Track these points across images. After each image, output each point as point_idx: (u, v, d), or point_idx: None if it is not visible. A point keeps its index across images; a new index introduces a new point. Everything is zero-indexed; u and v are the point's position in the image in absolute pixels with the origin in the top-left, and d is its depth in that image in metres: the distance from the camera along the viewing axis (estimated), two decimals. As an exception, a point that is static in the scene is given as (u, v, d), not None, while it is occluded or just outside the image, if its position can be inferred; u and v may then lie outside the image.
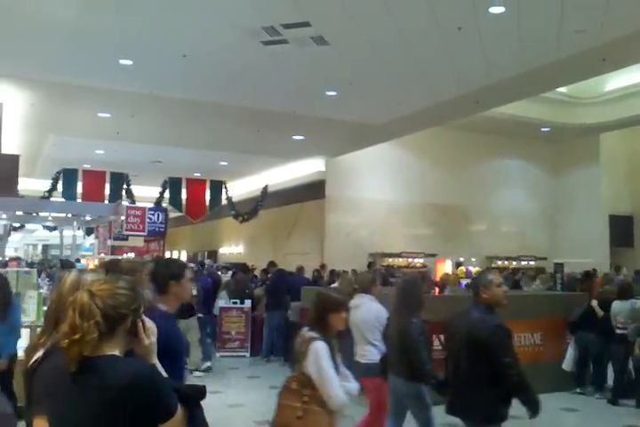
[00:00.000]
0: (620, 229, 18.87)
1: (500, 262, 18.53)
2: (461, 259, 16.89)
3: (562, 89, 16.06)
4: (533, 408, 3.67)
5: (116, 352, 1.88)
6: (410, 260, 16.91)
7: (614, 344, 7.26)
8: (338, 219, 16.81)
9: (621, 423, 6.34)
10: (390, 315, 4.88)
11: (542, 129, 17.50)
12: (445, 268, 16.50)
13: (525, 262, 18.82)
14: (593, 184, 18.92)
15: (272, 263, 11.69)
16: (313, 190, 17.32)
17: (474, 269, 16.50)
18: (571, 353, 7.67)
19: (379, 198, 17.21)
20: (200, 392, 2.08)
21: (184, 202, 17.51)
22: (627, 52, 9.47)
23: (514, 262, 18.75)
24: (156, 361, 2.05)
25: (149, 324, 2.06)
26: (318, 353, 3.33)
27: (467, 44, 8.72)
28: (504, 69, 9.83)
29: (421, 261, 16.86)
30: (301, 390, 3.32)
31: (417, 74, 10.05)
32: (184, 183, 17.28)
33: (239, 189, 20.21)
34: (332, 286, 9.50)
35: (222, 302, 10.58)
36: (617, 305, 7.43)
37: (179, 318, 8.45)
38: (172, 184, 17.08)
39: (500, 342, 3.73)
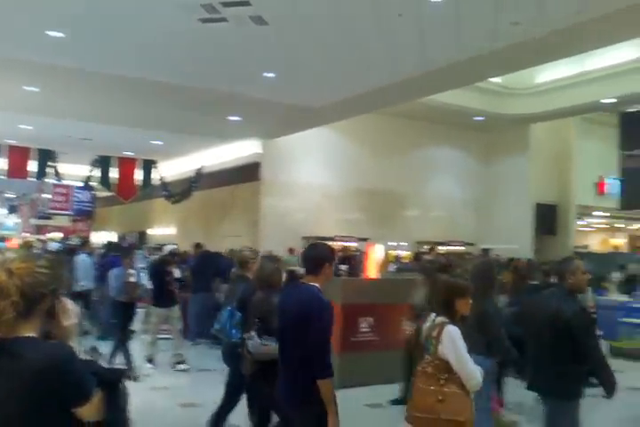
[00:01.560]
0: (545, 217, 19.62)
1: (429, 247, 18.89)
2: (392, 243, 17.12)
3: (496, 79, 16.45)
4: (610, 388, 3.85)
5: (33, 334, 1.78)
6: (342, 244, 17.05)
7: None
8: (273, 202, 16.74)
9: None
10: None
11: (475, 118, 17.89)
12: (376, 252, 16.69)
13: (454, 247, 19.29)
14: (521, 173, 19.54)
15: (197, 245, 11.47)
16: (248, 172, 17.16)
17: (403, 254, 16.80)
18: None
19: (314, 182, 17.23)
20: (119, 376, 2.00)
21: (114, 181, 17.02)
22: (558, 46, 9.75)
23: (443, 247, 19.16)
24: (74, 343, 1.96)
25: (70, 305, 1.96)
26: (453, 336, 3.41)
27: (406, 30, 8.76)
28: (441, 58, 9.94)
29: (354, 244, 17.01)
30: (438, 374, 3.40)
31: (355, 59, 10.05)
32: (115, 162, 16.77)
33: (173, 169, 19.79)
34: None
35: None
36: None
37: (158, 306, 8.18)
38: (102, 163, 16.55)
39: (584, 325, 3.92)
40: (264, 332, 4.13)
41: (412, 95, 13.25)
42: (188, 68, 10.62)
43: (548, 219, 19.78)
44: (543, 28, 8.58)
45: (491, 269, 5.21)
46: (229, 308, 4.79)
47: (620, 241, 25.99)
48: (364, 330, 7.28)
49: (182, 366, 7.96)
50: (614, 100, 15.52)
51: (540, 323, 4.08)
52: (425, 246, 18.72)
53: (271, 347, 3.94)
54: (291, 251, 14.76)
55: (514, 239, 18.46)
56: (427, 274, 6.25)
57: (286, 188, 16.86)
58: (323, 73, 10.85)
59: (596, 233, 26.06)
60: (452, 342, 3.40)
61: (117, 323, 7.67)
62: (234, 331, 4.69)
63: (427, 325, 3.57)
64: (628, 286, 11.24)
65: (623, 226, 24.74)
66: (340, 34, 8.91)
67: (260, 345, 4.13)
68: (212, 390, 7.22)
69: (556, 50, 10.20)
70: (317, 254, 3.48)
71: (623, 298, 10.39)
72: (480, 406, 4.34)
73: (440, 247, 18.97)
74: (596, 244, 25.38)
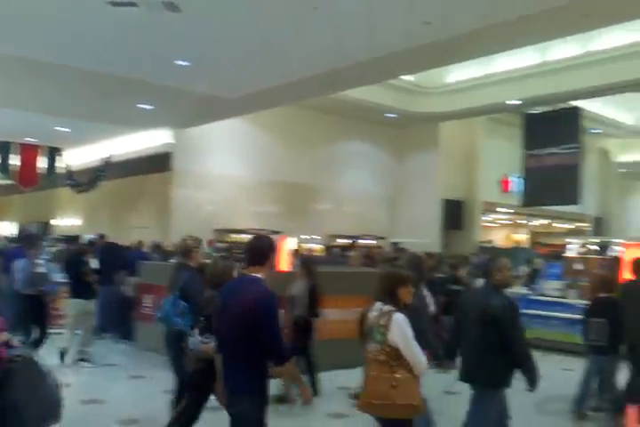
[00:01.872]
0: (452, 212, 20.32)
1: (341, 241, 19.15)
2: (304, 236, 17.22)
3: (408, 78, 16.84)
4: (533, 378, 4.19)
5: None
6: (255, 237, 16.96)
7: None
8: (184, 193, 16.41)
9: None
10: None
11: (388, 115, 18.23)
12: (288, 245, 16.72)
13: (366, 241, 19.63)
14: (431, 170, 20.13)
15: (101, 236, 11.08)
16: (159, 162, 16.73)
17: (316, 247, 16.95)
18: None
19: (227, 174, 17.04)
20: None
21: (15, 168, 16.17)
22: (466, 47, 10.11)
23: (355, 241, 19.46)
24: None
25: None
26: (401, 324, 3.58)
27: (320, 25, 8.79)
28: (354, 54, 10.05)
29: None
30: (390, 362, 3.56)
31: (270, 51, 10.00)
32: (16, 148, 15.92)
33: (80, 157, 19.03)
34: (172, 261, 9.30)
35: (58, 276, 9.93)
36: None
37: (77, 297, 7.77)
38: (2, 149, 15.67)
39: (510, 318, 4.22)
40: (207, 330, 4.20)
41: (326, 90, 13.35)
42: (98, 53, 10.21)
43: (455, 214, 20.49)
44: (452, 30, 8.85)
45: (421, 263, 5.51)
46: (172, 296, 4.90)
47: (522, 237, 27.29)
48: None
49: (86, 364, 7.65)
50: (519, 102, 16.24)
51: (471, 316, 4.35)
52: (338, 240, 19.01)
53: (210, 345, 4.04)
54: (210, 243, 14.55)
55: (423, 234, 19.03)
56: (306, 266, 6.54)
57: (198, 179, 16.57)
58: (237, 64, 10.73)
59: (500, 229, 27.24)
60: (401, 330, 3.57)
61: (26, 318, 7.22)
62: (177, 319, 4.80)
63: (373, 314, 3.70)
64: (533, 279, 11.85)
65: (525, 222, 25.96)
66: (254, 25, 8.83)
67: (200, 343, 4.25)
68: (116, 386, 7.04)
69: (465, 51, 10.56)
70: (262, 246, 3.57)
71: (523, 291, 10.93)
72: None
73: (352, 241, 19.32)
74: (499, 239, 26.53)
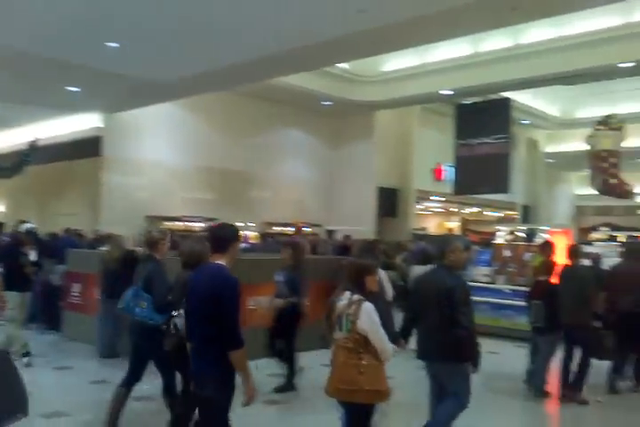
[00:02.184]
0: (386, 200, 20.58)
1: (277, 228, 19.12)
2: (239, 224, 17.10)
3: (344, 66, 16.87)
4: (476, 359, 4.42)
5: None
6: (188, 224, 16.74)
7: None
8: (115, 179, 15.94)
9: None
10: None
11: (324, 103, 18.23)
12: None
13: (302, 229, 19.66)
14: (367, 158, 20.29)
15: (22, 222, 10.58)
16: (89, 147, 16.17)
17: (251, 235, 16.86)
18: None
19: (160, 160, 16.67)
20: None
21: None
22: (400, 36, 10.19)
23: (290, 229, 19.48)
24: None
25: None
26: (370, 312, 3.77)
27: (255, 10, 8.67)
28: (290, 40, 9.99)
29: (202, 225, 16.76)
30: (357, 348, 3.73)
31: (204, 34, 9.79)
32: None
33: (3, 141, 18.21)
34: (102, 249, 9.07)
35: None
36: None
37: (11, 289, 7.30)
38: None
39: (463, 296, 4.43)
40: None
41: (261, 76, 13.24)
42: (18, 31, 9.73)
43: (389, 202, 20.77)
44: (387, 19, 8.91)
45: (374, 249, 5.81)
46: (134, 287, 4.97)
47: (454, 224, 27.97)
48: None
49: (25, 360, 7.15)
50: (451, 92, 16.54)
51: (427, 297, 4.53)
52: (274, 227, 18.97)
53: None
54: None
55: (358, 221, 19.20)
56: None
57: (130, 165, 16.14)
58: (170, 46, 10.45)
59: (433, 216, 27.82)
60: (369, 318, 3.76)
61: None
62: (137, 310, 4.89)
63: (342, 302, 3.86)
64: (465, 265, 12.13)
65: (457, 210, 26.60)
66: (188, 7, 8.62)
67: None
68: (41, 378, 6.81)
69: (399, 40, 10.67)
70: (225, 234, 3.69)
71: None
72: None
73: (287, 229, 19.32)
74: (432, 226, 27.11)
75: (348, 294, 3.89)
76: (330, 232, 18.14)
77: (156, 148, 16.62)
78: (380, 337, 3.77)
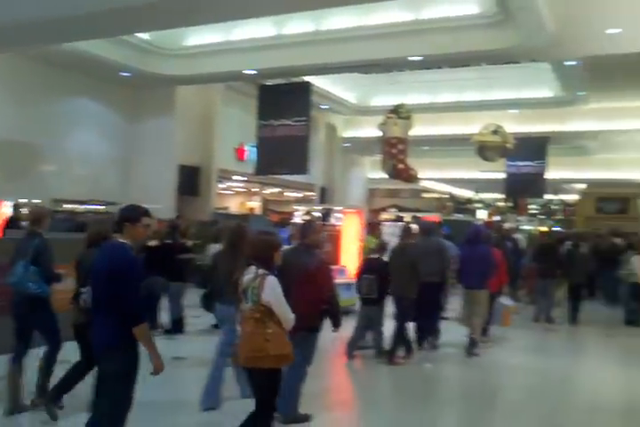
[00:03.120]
0: (187, 178, 20.18)
1: (68, 206, 17.82)
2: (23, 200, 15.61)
3: (145, 36, 16.08)
4: (338, 322, 5.53)
5: None
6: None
7: None
8: None
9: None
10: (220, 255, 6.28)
11: (122, 73, 17.24)
12: (3, 209, 15.07)
13: (95, 207, 18.57)
14: (167, 134, 19.64)
15: None
16: None
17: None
18: None
19: None
20: None
21: None
22: (207, 9, 9.93)
23: (83, 206, 18.30)
24: None
25: None
26: (274, 285, 4.18)
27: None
28: (86, 2, 9.26)
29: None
30: (263, 318, 4.09)
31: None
32: None
33: None
34: None
35: None
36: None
37: None
38: None
39: (323, 272, 5.44)
40: None
41: (52, 39, 12.19)
42: None
43: (190, 181, 20.39)
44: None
45: (244, 231, 6.11)
46: (23, 261, 5.27)
47: (256, 204, 28.36)
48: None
49: None
50: (254, 72, 16.58)
51: (292, 272, 5.04)
52: (65, 205, 17.64)
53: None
54: None
55: (157, 199, 18.54)
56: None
57: None
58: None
59: (235, 196, 27.94)
60: (273, 290, 4.16)
61: None
62: (30, 284, 5.25)
63: (248, 276, 4.25)
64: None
65: (258, 190, 26.97)
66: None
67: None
68: None
69: (202, 14, 10.38)
70: (121, 215, 3.99)
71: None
72: (224, 351, 5.68)
73: (80, 206, 18.11)
74: (234, 206, 27.22)
75: (253, 268, 4.26)
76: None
77: None
78: (282, 308, 4.17)
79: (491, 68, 19.59)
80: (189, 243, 10.62)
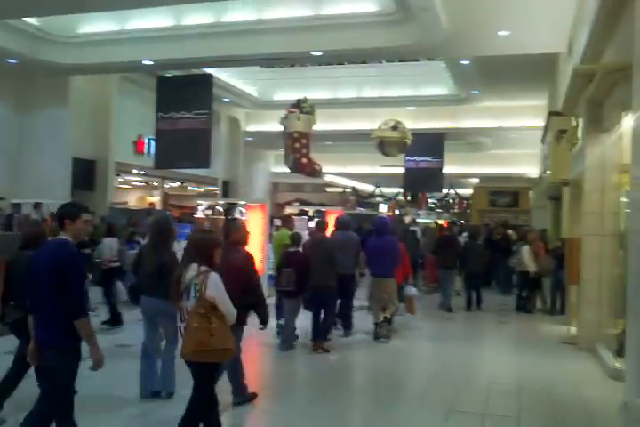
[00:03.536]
0: (83, 172, 19.35)
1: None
2: None
3: (34, 22, 15.22)
4: (265, 319, 5.72)
5: None
6: None
7: None
8: None
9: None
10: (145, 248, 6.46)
11: (8, 60, 16.21)
12: None
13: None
14: (60, 126, 18.68)
15: None
16: None
17: None
18: None
19: None
20: None
21: None
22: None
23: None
24: None
25: None
26: (216, 281, 4.35)
27: None
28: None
29: None
30: (207, 314, 4.23)
31: None
32: None
33: None
34: None
35: None
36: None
37: None
38: None
39: (249, 267, 5.67)
40: None
41: None
42: None
43: (86, 174, 19.57)
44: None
45: (170, 224, 6.31)
46: None
47: (156, 199, 27.61)
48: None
49: None
50: (152, 63, 16.08)
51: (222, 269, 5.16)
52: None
53: None
54: None
55: (51, 194, 17.64)
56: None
57: None
58: None
59: (135, 190, 27.11)
60: (216, 286, 4.34)
61: None
62: None
63: (190, 273, 4.41)
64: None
65: (158, 184, 26.28)
66: None
67: None
68: None
69: (88, 2, 9.94)
70: (60, 212, 4.11)
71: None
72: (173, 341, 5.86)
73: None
74: (134, 201, 26.39)
75: (195, 265, 4.42)
76: (16, 206, 16.44)
77: None
78: (225, 303, 4.34)
79: (390, 65, 20.06)
80: (86, 238, 10.21)
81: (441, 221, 31.89)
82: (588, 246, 9.43)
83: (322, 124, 19.09)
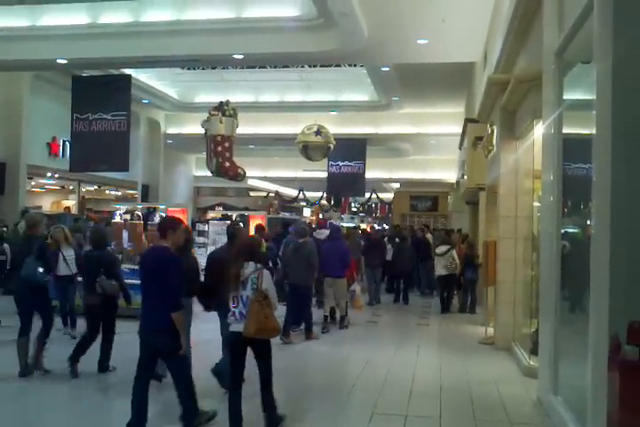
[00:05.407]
0: (-8, 175, 18.39)
1: None
2: None
3: None
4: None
5: None
6: None
7: None
8: None
9: None
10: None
11: None
12: None
13: None
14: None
15: None
16: None
17: None
18: None
19: None
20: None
21: None
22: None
23: None
24: None
25: None
26: (268, 277, 5.52)
27: None
28: None
29: None
30: (262, 302, 5.29)
31: None
32: None
33: None
34: None
35: None
36: None
37: None
38: None
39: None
40: (108, 277, 7.25)
41: None
42: None
43: (-5, 177, 18.60)
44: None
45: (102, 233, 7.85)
46: (31, 258, 7.08)
47: (72, 203, 26.57)
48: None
49: None
50: (66, 62, 15.44)
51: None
52: None
53: (115, 285, 7.27)
54: None
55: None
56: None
57: None
58: None
59: (49, 194, 26.02)
60: (268, 280, 5.49)
61: None
62: (38, 276, 7.08)
63: (249, 269, 5.48)
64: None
65: (74, 188, 25.31)
66: None
67: (110, 285, 7.21)
68: None
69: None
70: (162, 224, 5.51)
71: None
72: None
73: None
74: (48, 205, 25.32)
75: (252, 263, 5.50)
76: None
77: None
78: (274, 294, 5.47)
79: (312, 70, 20.16)
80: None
81: (363, 226, 32.35)
82: (503, 249, 9.76)
83: (245, 128, 18.93)
